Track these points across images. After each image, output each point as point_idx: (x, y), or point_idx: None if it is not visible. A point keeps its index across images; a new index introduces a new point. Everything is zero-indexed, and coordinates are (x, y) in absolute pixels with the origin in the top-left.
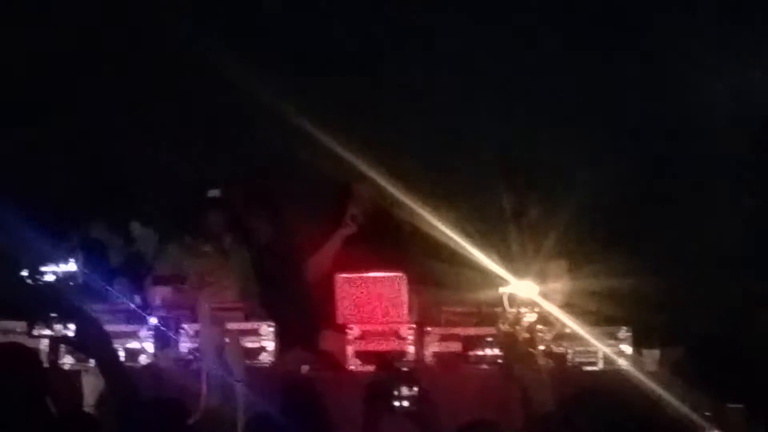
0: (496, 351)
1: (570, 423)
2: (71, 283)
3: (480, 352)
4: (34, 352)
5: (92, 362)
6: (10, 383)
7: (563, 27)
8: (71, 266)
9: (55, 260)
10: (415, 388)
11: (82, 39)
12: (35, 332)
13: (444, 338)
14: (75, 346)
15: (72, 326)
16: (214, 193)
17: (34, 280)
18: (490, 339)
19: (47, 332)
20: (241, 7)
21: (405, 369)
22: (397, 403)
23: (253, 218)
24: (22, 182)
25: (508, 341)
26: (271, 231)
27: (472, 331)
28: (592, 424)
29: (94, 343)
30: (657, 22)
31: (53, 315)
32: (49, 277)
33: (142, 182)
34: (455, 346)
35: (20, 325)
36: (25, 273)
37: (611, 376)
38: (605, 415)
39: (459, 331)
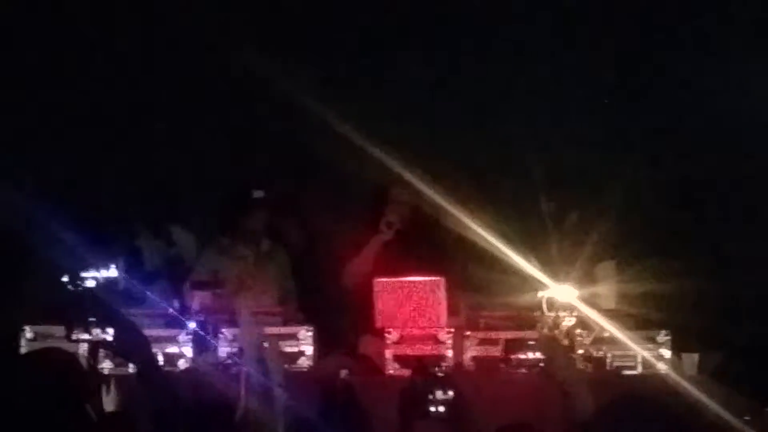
0: (537, 355)
1: (609, 428)
2: (112, 289)
3: (521, 356)
4: (74, 357)
5: (131, 367)
6: (51, 388)
7: (609, 32)
8: (112, 272)
9: (96, 266)
10: (451, 393)
11: (124, 42)
12: (74, 336)
13: (483, 342)
14: (114, 350)
15: (110, 330)
16: (259, 194)
17: (75, 285)
18: (531, 342)
19: (86, 336)
20: (285, 8)
21: (440, 374)
22: (432, 408)
23: (292, 221)
24: (64, 187)
25: (549, 345)
26: (308, 234)
27: (511, 335)
28: (631, 428)
29: (132, 347)
30: (698, 23)
31: (92, 319)
32: (90, 283)
33: (181, 185)
34: (494, 350)
35: (59, 330)
36: (65, 279)
37: (650, 380)
38: (644, 419)
39: (498, 335)
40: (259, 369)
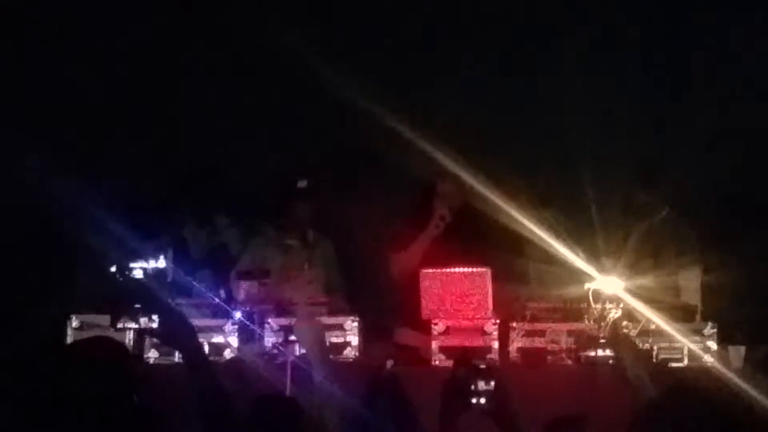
0: (607, 352)
1: (657, 420)
2: (160, 279)
3: (591, 353)
4: (124, 347)
5: (177, 356)
6: (101, 377)
7: (668, 27)
8: (161, 263)
9: (145, 256)
10: (492, 384)
11: (171, 33)
12: (120, 325)
13: (529, 333)
14: (160, 338)
15: (157, 319)
16: (303, 183)
17: (123, 275)
18: (603, 340)
19: (132, 325)
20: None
21: (482, 365)
22: (474, 399)
23: (338, 211)
24: (112, 178)
25: (621, 343)
26: (355, 224)
27: (558, 327)
28: (678, 421)
29: (179, 336)
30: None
31: (138, 307)
32: (138, 273)
33: (227, 174)
34: (540, 342)
35: (105, 319)
36: (113, 269)
37: (697, 372)
38: (692, 412)
39: (544, 326)
40: (330, 380)
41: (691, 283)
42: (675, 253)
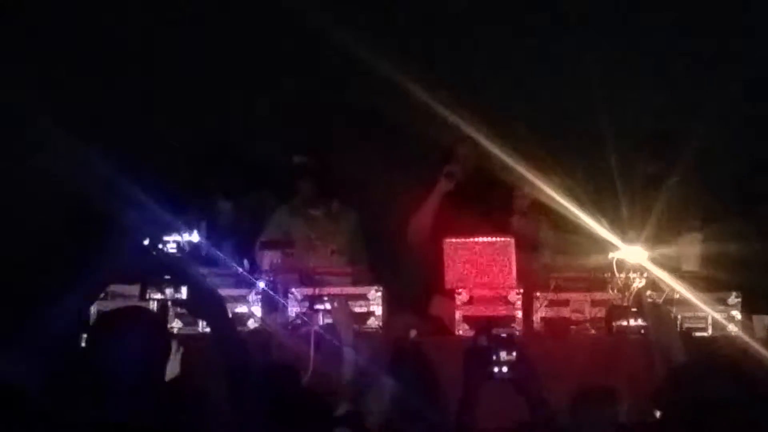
0: (639, 321)
1: (681, 390)
2: (195, 254)
3: (623, 323)
4: (158, 318)
5: (201, 326)
6: (133, 347)
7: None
8: (194, 237)
9: (178, 230)
10: (514, 353)
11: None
12: (147, 296)
13: (553, 303)
14: (188, 309)
15: (184, 290)
16: (299, 158)
17: (157, 250)
18: (634, 310)
19: (158, 296)
20: None
21: (503, 335)
22: (495, 369)
23: (362, 181)
24: (142, 152)
25: (653, 313)
26: (379, 194)
27: (582, 296)
28: (702, 390)
29: (207, 307)
30: None
31: (166, 278)
32: (172, 247)
33: (253, 146)
34: (564, 311)
35: (130, 289)
36: (146, 243)
37: (721, 342)
38: (716, 381)
39: (568, 296)
40: (354, 353)
41: (689, 250)
42: (695, 221)
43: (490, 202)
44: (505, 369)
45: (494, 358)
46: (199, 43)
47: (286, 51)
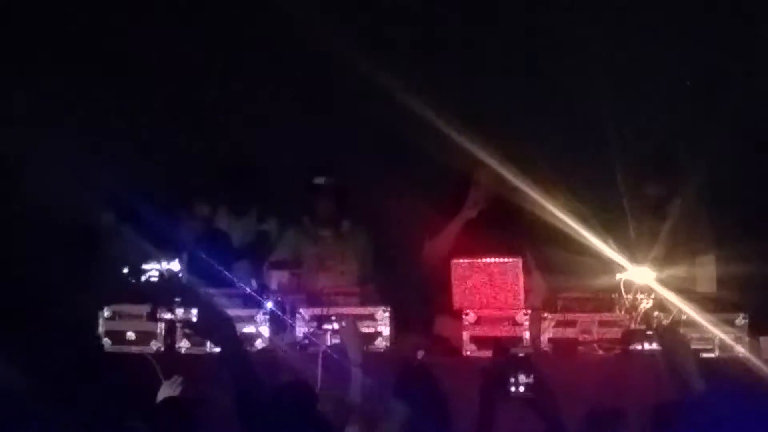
0: (654, 346)
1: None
2: (195, 270)
3: (638, 347)
4: None
5: (208, 346)
6: None
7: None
8: (175, 265)
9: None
10: (532, 375)
11: (200, 25)
12: (158, 316)
13: (560, 324)
14: (197, 330)
15: (194, 311)
16: (320, 180)
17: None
18: (650, 333)
19: (168, 316)
20: None
21: (521, 355)
22: (513, 389)
23: (373, 202)
24: (147, 170)
25: (669, 337)
26: (389, 215)
27: (590, 317)
28: (712, 411)
29: (216, 328)
30: None
31: (177, 300)
32: (175, 266)
33: (262, 166)
34: (572, 332)
35: (139, 309)
36: (152, 263)
37: (728, 363)
38: (724, 402)
39: (576, 317)
40: (362, 373)
41: (706, 271)
42: (688, 242)
43: (504, 226)
44: (522, 389)
45: (512, 379)
46: (212, 64)
47: (300, 71)
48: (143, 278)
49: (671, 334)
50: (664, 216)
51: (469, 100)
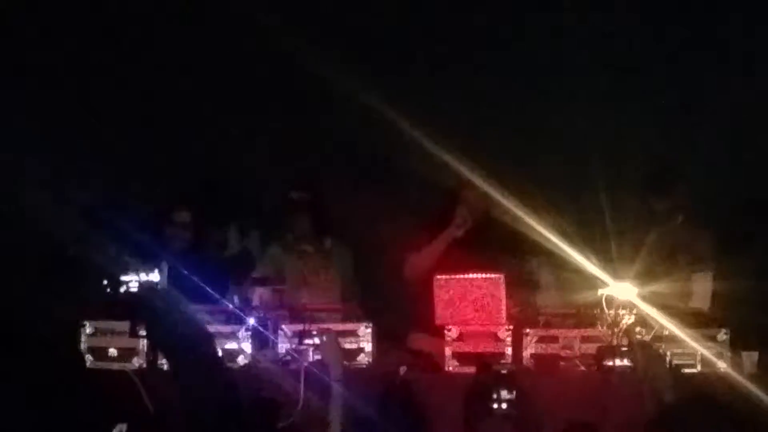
0: (625, 362)
1: (672, 425)
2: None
3: (609, 363)
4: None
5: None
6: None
7: (686, 29)
8: (155, 276)
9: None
10: (514, 391)
11: (180, 41)
12: (139, 332)
13: (542, 340)
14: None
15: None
16: (295, 194)
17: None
18: (624, 349)
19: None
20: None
21: (504, 371)
22: (495, 406)
23: (355, 217)
24: (127, 186)
25: (643, 353)
26: (372, 230)
27: (572, 333)
28: (693, 426)
29: (171, 345)
30: None
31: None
32: (133, 286)
33: (246, 182)
34: (554, 348)
35: (121, 326)
36: (125, 278)
37: (710, 378)
38: (706, 417)
39: (557, 332)
40: (343, 386)
41: (702, 287)
42: (689, 259)
43: (489, 243)
44: (505, 405)
45: (494, 395)
46: (197, 81)
47: (282, 89)
48: (122, 290)
49: (646, 349)
50: (663, 231)
51: (455, 116)
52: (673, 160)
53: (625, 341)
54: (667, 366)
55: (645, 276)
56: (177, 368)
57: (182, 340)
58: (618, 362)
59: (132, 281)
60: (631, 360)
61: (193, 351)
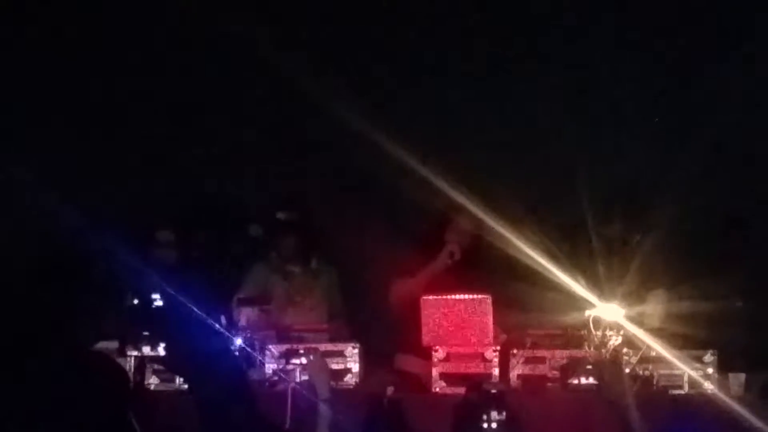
0: (591, 380)
1: None
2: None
3: (575, 381)
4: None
5: (177, 382)
6: (97, 393)
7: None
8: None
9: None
10: (504, 412)
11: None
12: (127, 351)
13: (529, 360)
14: (167, 366)
15: (161, 347)
16: (282, 215)
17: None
18: (589, 367)
19: (135, 353)
20: (342, 30)
21: (494, 392)
22: (485, 426)
23: (342, 238)
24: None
25: (602, 369)
26: (359, 252)
27: (560, 355)
28: None
29: (185, 362)
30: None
31: (145, 334)
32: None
33: (231, 202)
34: (541, 369)
35: (112, 345)
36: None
37: (697, 399)
38: None
39: (545, 353)
40: (330, 405)
41: (653, 307)
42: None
43: (475, 265)
44: (495, 426)
45: (484, 416)
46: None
47: (270, 109)
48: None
49: (609, 366)
50: (626, 253)
51: (442, 140)
52: (642, 183)
53: (591, 359)
54: (627, 382)
55: (632, 297)
56: (201, 384)
57: (208, 357)
58: (584, 381)
59: (157, 297)
60: (596, 378)
61: (219, 366)
